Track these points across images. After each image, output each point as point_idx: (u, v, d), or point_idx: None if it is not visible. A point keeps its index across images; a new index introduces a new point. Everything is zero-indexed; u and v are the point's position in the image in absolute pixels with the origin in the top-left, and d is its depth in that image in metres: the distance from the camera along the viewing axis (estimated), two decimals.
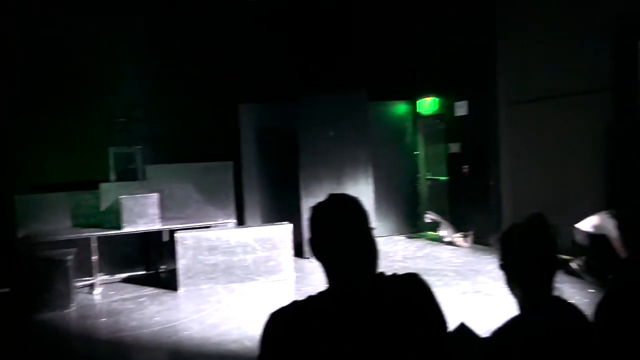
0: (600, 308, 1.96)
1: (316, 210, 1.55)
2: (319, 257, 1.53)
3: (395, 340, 1.42)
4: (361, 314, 1.42)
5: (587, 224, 6.23)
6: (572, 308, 1.75)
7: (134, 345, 5.26)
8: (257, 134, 9.54)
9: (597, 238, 6.15)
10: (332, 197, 1.57)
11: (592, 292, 5.85)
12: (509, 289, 1.81)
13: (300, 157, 8.70)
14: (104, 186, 7.75)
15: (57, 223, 7.73)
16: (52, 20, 8.77)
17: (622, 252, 5.84)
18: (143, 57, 9.46)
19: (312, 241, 1.54)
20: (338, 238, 1.49)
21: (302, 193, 8.64)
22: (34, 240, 7.09)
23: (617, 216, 5.81)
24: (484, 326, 2.25)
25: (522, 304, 1.76)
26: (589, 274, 6.25)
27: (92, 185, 7.86)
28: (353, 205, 1.54)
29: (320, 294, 1.50)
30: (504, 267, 1.79)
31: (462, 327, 2.24)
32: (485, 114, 8.71)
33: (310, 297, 1.49)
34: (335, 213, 1.53)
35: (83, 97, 8.97)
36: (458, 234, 9.08)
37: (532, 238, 1.72)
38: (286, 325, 1.44)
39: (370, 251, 1.52)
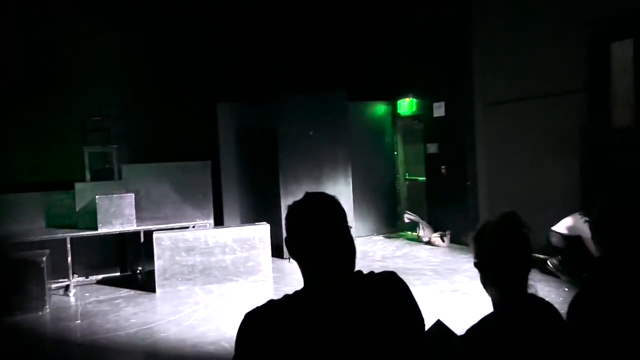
0: (572, 306, 1.99)
1: (293, 209, 1.54)
2: (296, 256, 1.52)
3: (372, 338, 1.41)
4: (338, 313, 1.42)
5: (562, 226, 6.34)
6: (547, 306, 1.77)
7: (110, 347, 5.17)
8: (236, 133, 9.47)
9: (572, 239, 6.26)
10: (309, 196, 1.56)
11: (567, 291, 5.94)
12: (483, 287, 1.82)
13: (279, 156, 8.67)
14: (79, 186, 7.62)
15: (30, 223, 7.59)
16: (24, 18, 8.61)
17: (595, 252, 6.00)
18: (119, 55, 9.32)
19: (289, 240, 1.53)
20: (315, 236, 1.48)
21: (281, 193, 8.62)
22: (7, 241, 6.93)
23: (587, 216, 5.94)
24: (461, 324, 2.27)
25: (497, 302, 1.77)
26: (564, 272, 6.35)
27: (67, 185, 7.73)
28: (330, 203, 1.54)
29: (297, 293, 1.48)
30: (478, 265, 1.80)
31: (438, 324, 2.25)
32: (462, 114, 8.81)
33: (286, 297, 1.48)
34: (312, 211, 1.52)
35: (58, 96, 8.80)
36: (436, 234, 9.16)
37: (504, 236, 1.73)
38: (262, 325, 1.42)
39: (347, 250, 1.51)
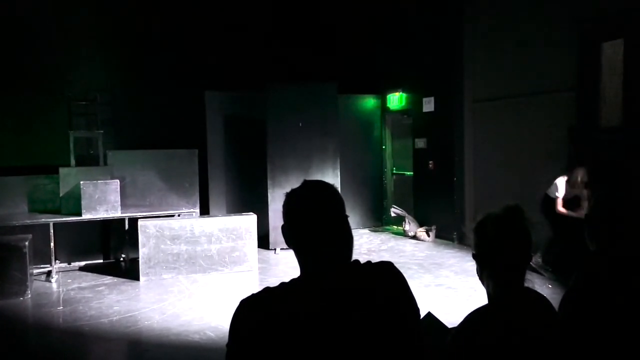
0: (564, 301, 1.99)
1: (291, 196, 1.51)
2: (293, 243, 1.49)
3: (369, 326, 1.40)
4: (335, 300, 1.40)
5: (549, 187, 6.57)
6: (542, 299, 1.77)
7: (92, 334, 5.12)
8: (224, 122, 9.39)
9: (550, 202, 6.46)
10: (307, 183, 1.54)
11: (550, 288, 6.00)
12: (479, 278, 1.81)
13: (267, 147, 8.62)
14: (63, 171, 7.50)
15: (13, 208, 7.48)
16: None
17: (560, 211, 6.16)
18: (107, 39, 9.18)
19: (286, 227, 1.50)
20: (313, 224, 1.45)
21: (269, 184, 8.57)
22: None
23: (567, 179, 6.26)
24: (446, 318, 2.29)
25: (492, 295, 1.77)
26: (547, 269, 6.43)
27: (51, 170, 7.61)
28: (328, 191, 1.51)
29: (294, 281, 1.46)
30: (476, 256, 1.79)
31: (429, 317, 2.26)
32: (451, 110, 8.83)
33: (282, 284, 1.45)
34: (311, 199, 1.49)
35: (43, 79, 8.66)
36: (421, 229, 9.20)
37: (506, 229, 1.72)
38: (258, 312, 1.39)
39: (345, 238, 1.49)
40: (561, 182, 6.43)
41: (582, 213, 6.11)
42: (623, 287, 1.90)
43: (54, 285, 6.82)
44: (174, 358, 4.62)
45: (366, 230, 10.15)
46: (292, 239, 1.49)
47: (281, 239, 1.52)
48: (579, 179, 6.20)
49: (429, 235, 9.08)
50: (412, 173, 9.95)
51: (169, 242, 7.00)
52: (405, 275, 1.58)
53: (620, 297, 1.87)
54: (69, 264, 7.68)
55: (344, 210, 1.52)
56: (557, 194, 6.41)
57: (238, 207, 9.13)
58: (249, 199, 9.22)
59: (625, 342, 1.84)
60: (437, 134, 9.20)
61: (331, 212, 1.49)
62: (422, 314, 2.21)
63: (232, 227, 7.27)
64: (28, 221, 6.93)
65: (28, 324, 5.66)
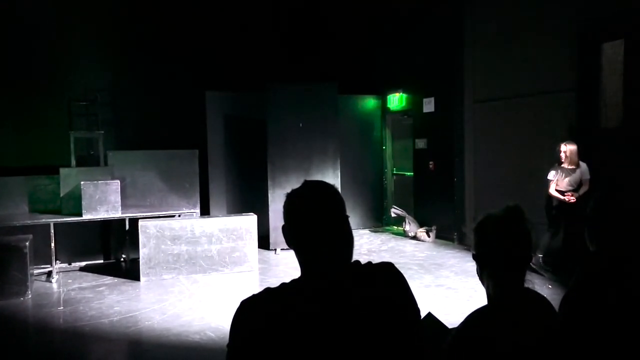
0: (564, 301, 1.99)
1: (292, 196, 1.51)
2: (293, 244, 1.49)
3: (369, 327, 1.40)
4: (336, 301, 1.40)
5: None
6: (542, 300, 1.77)
7: (92, 335, 5.12)
8: (224, 122, 9.40)
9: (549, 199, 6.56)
10: (308, 184, 1.54)
11: (550, 288, 6.00)
12: (479, 278, 1.81)
13: (268, 147, 8.62)
14: (64, 171, 7.50)
15: (14, 208, 7.48)
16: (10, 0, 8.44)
17: (550, 194, 6.33)
18: (108, 39, 9.18)
19: (287, 228, 1.50)
20: (313, 224, 1.45)
21: (269, 184, 8.58)
22: None
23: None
24: (446, 318, 2.29)
25: (492, 295, 1.77)
26: (547, 269, 6.43)
27: (52, 170, 7.62)
28: (329, 191, 1.51)
29: (294, 281, 1.46)
30: (476, 257, 1.79)
31: (429, 317, 2.26)
32: (452, 111, 8.83)
33: (283, 285, 1.46)
34: (311, 199, 1.49)
35: (44, 79, 8.68)
36: (422, 229, 9.20)
37: (506, 230, 1.72)
38: (259, 313, 1.40)
39: (345, 238, 1.49)
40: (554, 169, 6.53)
41: (569, 197, 6.29)
42: (623, 287, 1.90)
43: (55, 286, 6.82)
44: (174, 358, 4.62)
45: (366, 231, 10.15)
46: (292, 239, 1.49)
47: (281, 239, 1.52)
48: (561, 150, 6.34)
49: (429, 236, 9.08)
50: (412, 173, 9.95)
51: (169, 243, 7.00)
52: (405, 275, 1.58)
53: (620, 297, 1.87)
54: (70, 264, 7.68)
55: (344, 211, 1.52)
56: (548, 177, 6.48)
57: (238, 207, 9.14)
58: (249, 199, 9.22)
59: (625, 342, 1.84)
60: (437, 135, 9.21)
61: (332, 212, 1.49)
62: (423, 314, 2.22)
63: (233, 227, 7.27)
64: (28, 221, 6.94)
65: (28, 324, 5.67)
